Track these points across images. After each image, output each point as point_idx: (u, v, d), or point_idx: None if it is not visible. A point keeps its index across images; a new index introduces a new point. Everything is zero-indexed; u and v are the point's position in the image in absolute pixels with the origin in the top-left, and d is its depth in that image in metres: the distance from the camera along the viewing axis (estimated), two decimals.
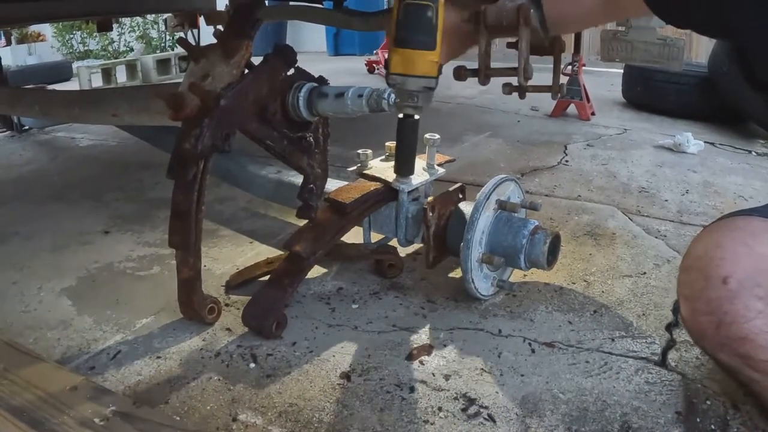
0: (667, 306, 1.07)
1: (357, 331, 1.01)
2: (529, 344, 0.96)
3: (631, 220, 1.47)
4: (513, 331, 1.00)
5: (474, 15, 0.93)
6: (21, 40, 5.76)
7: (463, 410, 0.81)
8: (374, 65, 4.35)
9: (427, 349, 0.95)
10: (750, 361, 0.71)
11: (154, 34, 6.29)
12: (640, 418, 0.79)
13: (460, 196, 1.17)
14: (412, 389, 0.86)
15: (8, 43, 4.93)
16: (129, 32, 6.31)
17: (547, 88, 1.01)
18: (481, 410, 0.81)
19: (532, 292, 1.13)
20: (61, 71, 4.64)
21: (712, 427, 0.77)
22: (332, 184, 1.17)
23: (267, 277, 1.07)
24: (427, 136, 1.15)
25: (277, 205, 1.49)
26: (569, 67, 2.64)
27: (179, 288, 1.01)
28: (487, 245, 1.05)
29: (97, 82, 3.87)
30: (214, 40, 0.98)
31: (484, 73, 0.95)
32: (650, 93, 2.76)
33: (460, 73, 1.00)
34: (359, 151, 1.17)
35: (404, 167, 1.02)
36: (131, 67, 4.14)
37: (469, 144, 2.25)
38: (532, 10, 0.89)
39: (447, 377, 0.88)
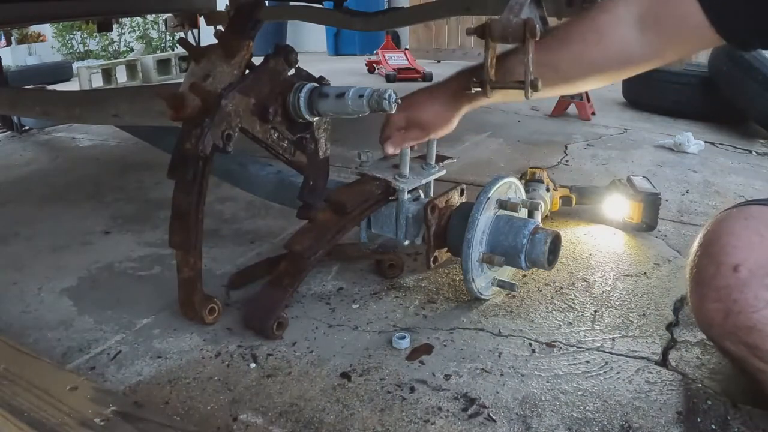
0: (667, 306, 1.07)
1: (357, 331, 1.01)
2: (530, 344, 0.96)
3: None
4: (513, 331, 1.00)
5: (480, 29, 0.94)
6: (21, 41, 5.76)
7: (464, 410, 0.81)
8: (374, 65, 4.35)
9: (427, 349, 0.95)
10: (757, 351, 0.70)
11: (154, 34, 6.29)
12: (640, 418, 0.79)
13: (461, 196, 1.17)
14: (412, 389, 0.86)
15: (8, 43, 4.93)
16: (129, 32, 6.32)
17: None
18: (482, 410, 0.81)
19: (532, 292, 1.13)
20: (62, 71, 4.64)
21: (713, 426, 0.77)
22: (333, 184, 1.17)
23: (268, 278, 1.07)
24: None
25: (277, 205, 1.49)
26: None
27: (180, 288, 1.01)
28: (487, 245, 1.05)
29: (98, 82, 3.87)
30: (215, 41, 0.98)
31: (488, 86, 0.95)
32: (650, 93, 2.76)
33: (467, 85, 1.01)
34: (359, 151, 1.17)
35: None
36: (131, 68, 4.15)
37: (469, 144, 2.25)
38: (537, 25, 0.89)
39: (447, 377, 0.88)
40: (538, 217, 1.12)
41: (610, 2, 0.93)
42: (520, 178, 1.27)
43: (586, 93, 2.66)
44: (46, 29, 6.06)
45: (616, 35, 0.91)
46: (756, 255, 0.70)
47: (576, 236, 1.37)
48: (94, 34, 5.98)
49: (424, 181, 1.15)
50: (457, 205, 1.14)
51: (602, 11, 0.94)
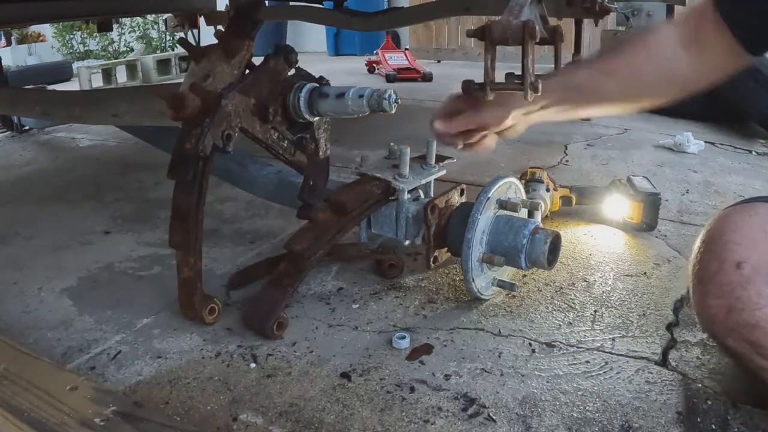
0: (667, 306, 1.07)
1: (357, 331, 1.01)
2: (530, 344, 0.96)
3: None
4: (513, 331, 1.00)
5: (479, 31, 0.93)
6: (21, 41, 5.76)
7: (464, 410, 0.81)
8: (374, 65, 4.35)
9: (427, 349, 0.95)
10: (760, 349, 0.70)
11: (154, 34, 6.28)
12: (640, 418, 0.79)
13: (461, 196, 1.17)
14: (412, 389, 0.86)
15: (8, 43, 4.93)
16: (129, 32, 6.31)
17: (549, 76, 1.01)
18: (482, 410, 0.81)
19: (532, 292, 1.13)
20: (62, 71, 4.64)
21: (713, 426, 0.77)
22: (333, 184, 1.17)
23: (268, 278, 1.07)
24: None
25: (277, 205, 1.49)
26: None
27: (180, 288, 1.01)
28: (487, 245, 1.05)
29: (98, 82, 3.87)
30: (215, 41, 0.99)
31: (489, 88, 0.95)
32: None
33: (468, 87, 1.01)
34: (359, 151, 1.17)
35: None
36: (131, 68, 4.15)
37: None
38: (537, 27, 0.89)
39: (447, 377, 0.88)
40: (538, 217, 1.13)
41: (655, 25, 0.94)
42: (520, 178, 1.27)
43: None
44: (46, 29, 6.05)
45: (665, 51, 0.91)
46: (759, 252, 0.70)
47: (576, 236, 1.37)
48: (94, 34, 5.97)
49: (424, 181, 1.15)
50: (457, 205, 1.14)
51: (648, 32, 0.98)
